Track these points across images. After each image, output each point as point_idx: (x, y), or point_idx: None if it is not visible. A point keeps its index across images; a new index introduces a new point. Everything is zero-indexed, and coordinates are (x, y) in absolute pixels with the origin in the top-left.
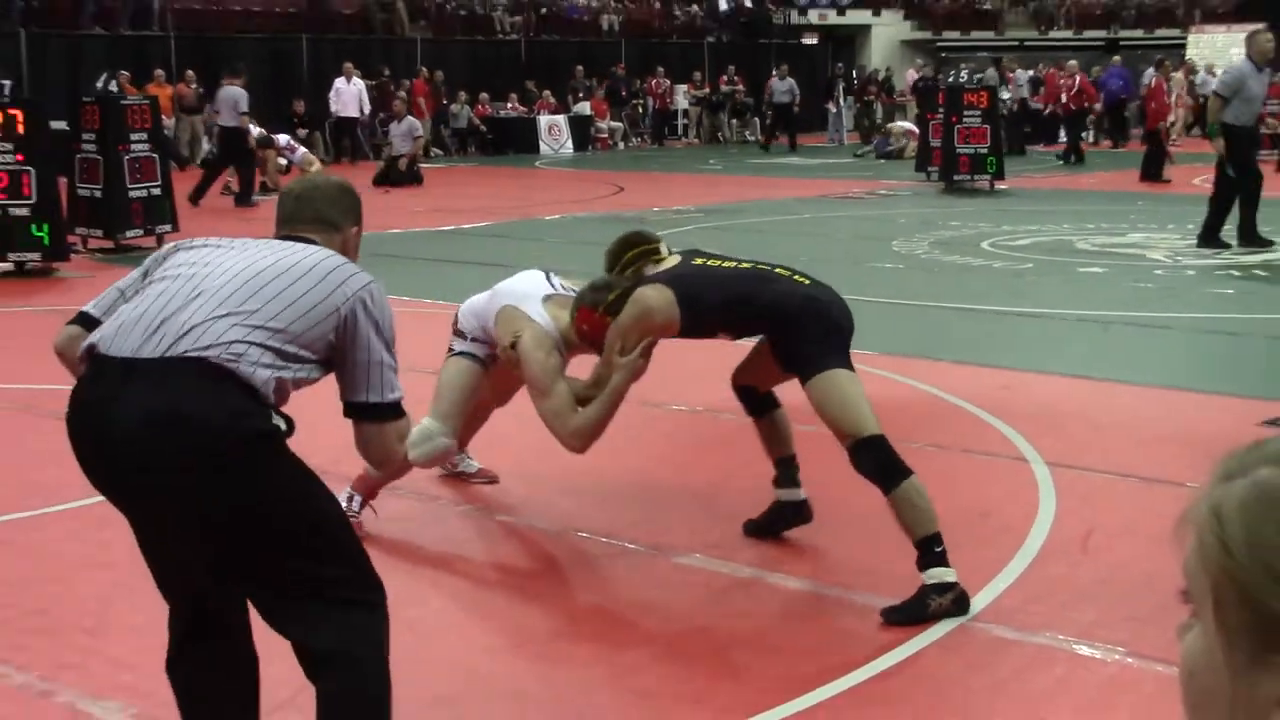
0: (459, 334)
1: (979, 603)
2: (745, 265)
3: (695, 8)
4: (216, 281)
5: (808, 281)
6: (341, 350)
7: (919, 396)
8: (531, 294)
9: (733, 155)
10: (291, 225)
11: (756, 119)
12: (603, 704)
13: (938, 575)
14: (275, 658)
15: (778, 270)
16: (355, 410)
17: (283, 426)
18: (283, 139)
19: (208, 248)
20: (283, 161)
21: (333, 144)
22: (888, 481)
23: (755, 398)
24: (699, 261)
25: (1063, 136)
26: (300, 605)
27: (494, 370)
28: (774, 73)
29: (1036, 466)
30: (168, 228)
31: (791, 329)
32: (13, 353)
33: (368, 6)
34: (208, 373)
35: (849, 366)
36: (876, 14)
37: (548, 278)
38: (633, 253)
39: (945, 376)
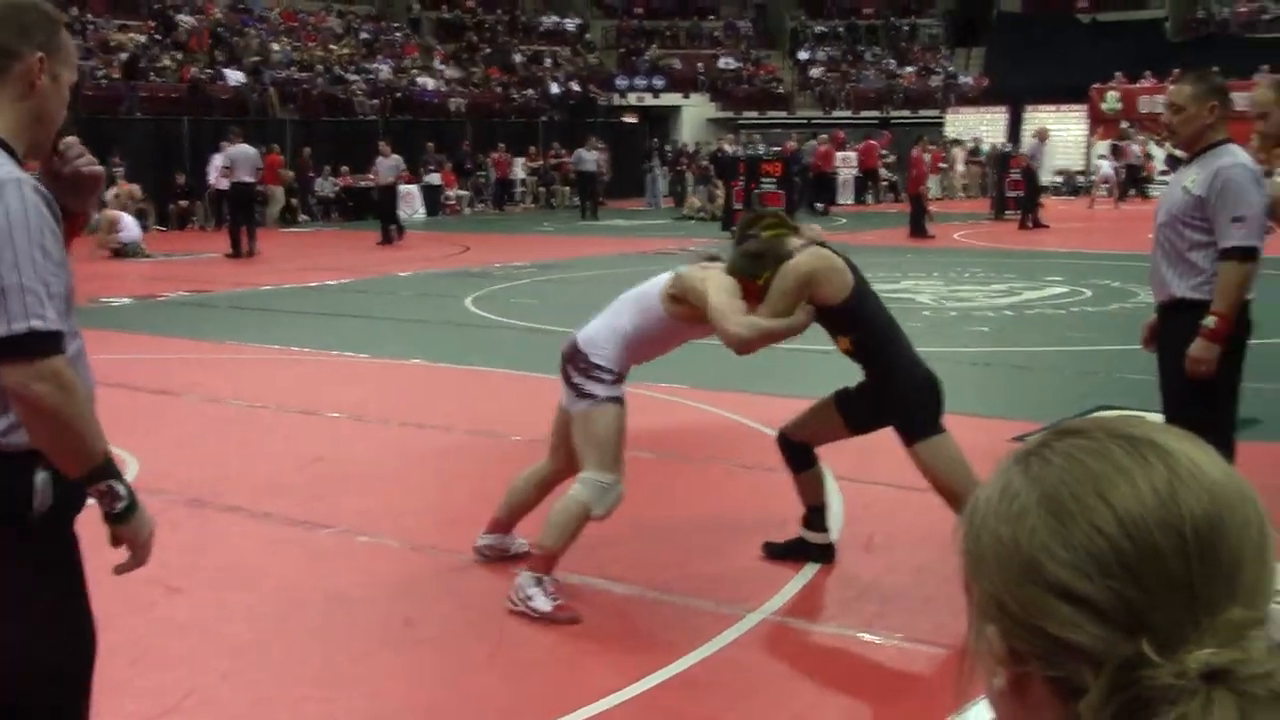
0: (597, 378)
1: (778, 600)
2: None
3: (530, 91)
4: None
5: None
6: None
7: (728, 423)
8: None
9: (564, 219)
10: None
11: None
12: (449, 696)
13: None
14: (164, 665)
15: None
16: None
17: (35, 501)
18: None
19: None
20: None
21: (213, 212)
22: None
23: (802, 454)
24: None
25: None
26: None
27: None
28: (565, 145)
29: (826, 480)
30: None
31: (905, 392)
32: None
33: (242, 91)
34: None
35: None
36: (686, 97)
37: None
38: (770, 220)
39: (749, 406)
